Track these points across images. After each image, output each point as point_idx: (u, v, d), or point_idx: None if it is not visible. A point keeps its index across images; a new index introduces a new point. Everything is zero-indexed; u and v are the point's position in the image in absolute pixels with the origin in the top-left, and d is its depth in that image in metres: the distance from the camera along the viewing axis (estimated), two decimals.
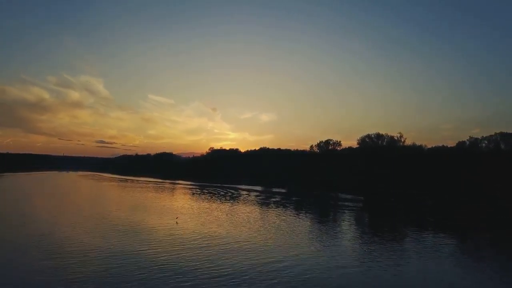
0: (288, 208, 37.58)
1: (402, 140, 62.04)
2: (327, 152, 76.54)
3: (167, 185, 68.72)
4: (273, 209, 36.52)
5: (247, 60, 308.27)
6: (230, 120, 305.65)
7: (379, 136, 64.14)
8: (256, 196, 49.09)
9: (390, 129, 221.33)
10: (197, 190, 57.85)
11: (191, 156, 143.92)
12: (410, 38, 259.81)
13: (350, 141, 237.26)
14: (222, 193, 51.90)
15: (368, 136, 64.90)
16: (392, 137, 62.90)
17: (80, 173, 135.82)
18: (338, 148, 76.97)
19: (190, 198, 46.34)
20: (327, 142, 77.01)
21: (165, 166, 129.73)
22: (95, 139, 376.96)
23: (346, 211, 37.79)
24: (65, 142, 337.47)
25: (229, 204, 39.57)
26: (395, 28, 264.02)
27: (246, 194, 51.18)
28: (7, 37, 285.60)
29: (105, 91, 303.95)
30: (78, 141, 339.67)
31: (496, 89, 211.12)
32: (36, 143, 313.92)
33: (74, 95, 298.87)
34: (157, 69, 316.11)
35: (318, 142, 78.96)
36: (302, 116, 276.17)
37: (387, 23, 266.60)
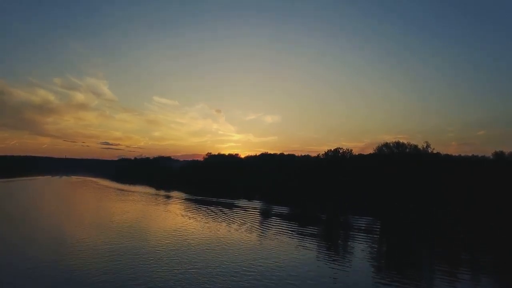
0: (293, 250, 24.89)
1: (430, 150, 50.23)
2: (338, 159, 65.23)
3: (160, 200, 57.59)
4: (273, 248, 24.11)
5: (251, 62, 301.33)
6: (234, 121, 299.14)
7: (399, 145, 52.92)
8: (255, 220, 37.35)
9: (395, 131, 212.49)
10: (188, 209, 46.56)
11: (195, 158, 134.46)
12: (414, 41, 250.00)
13: (354, 143, 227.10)
14: (214, 213, 40.44)
15: (386, 145, 53.64)
16: (415, 146, 51.57)
17: (75, 178, 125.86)
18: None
19: (174, 229, 33.67)
20: (336, 151, 65.73)
21: (162, 172, 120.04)
22: (100, 141, 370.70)
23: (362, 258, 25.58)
24: (70, 144, 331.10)
25: (222, 237, 27.05)
26: (398, 31, 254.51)
27: (243, 220, 39.22)
28: (14, 40, 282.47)
29: (110, 93, 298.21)
30: (83, 142, 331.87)
31: (502, 90, 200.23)
32: (41, 145, 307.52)
33: (80, 97, 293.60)
34: (162, 71, 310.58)
35: (326, 151, 67.65)
36: (307, 117, 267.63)
37: (391, 27, 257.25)
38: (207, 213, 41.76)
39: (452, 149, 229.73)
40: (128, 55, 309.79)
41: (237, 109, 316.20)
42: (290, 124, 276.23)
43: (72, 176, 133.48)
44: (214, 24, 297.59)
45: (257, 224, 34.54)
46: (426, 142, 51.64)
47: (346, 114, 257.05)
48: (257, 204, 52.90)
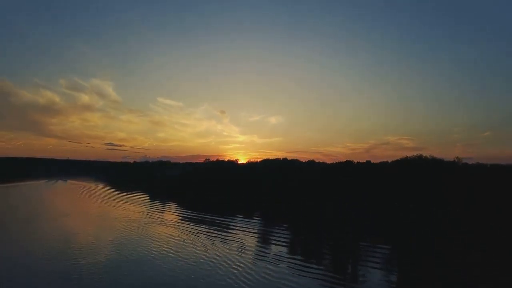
0: None
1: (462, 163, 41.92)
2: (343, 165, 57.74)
3: (147, 218, 49.86)
4: None
5: (256, 63, 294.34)
6: (238, 122, 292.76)
7: (421, 159, 44.15)
8: (250, 256, 29.36)
9: (399, 132, 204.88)
10: (174, 236, 38.72)
11: (199, 160, 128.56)
12: (419, 42, 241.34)
13: (359, 144, 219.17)
14: (203, 244, 32.49)
15: (406, 159, 45.11)
16: (441, 161, 43.03)
17: (70, 183, 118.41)
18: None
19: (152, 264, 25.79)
20: (347, 163, 57.39)
21: (161, 178, 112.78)
22: (104, 142, 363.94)
23: None
24: (75, 145, 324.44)
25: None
26: (402, 32, 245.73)
27: (234, 257, 31.22)
28: (20, 41, 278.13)
29: (115, 94, 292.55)
30: (88, 143, 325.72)
31: (508, 91, 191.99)
32: (47, 146, 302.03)
33: (85, 98, 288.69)
34: (166, 72, 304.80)
35: (336, 162, 59.63)
36: (311, 119, 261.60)
37: (394, 28, 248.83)
38: (195, 241, 33.74)
39: (457, 150, 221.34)
40: (133, 57, 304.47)
41: (241, 110, 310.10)
42: (294, 125, 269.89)
43: (69, 181, 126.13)
44: (218, 26, 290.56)
45: (253, 261, 26.45)
46: (457, 157, 43.86)
47: (350, 115, 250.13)
48: (255, 224, 44.75)
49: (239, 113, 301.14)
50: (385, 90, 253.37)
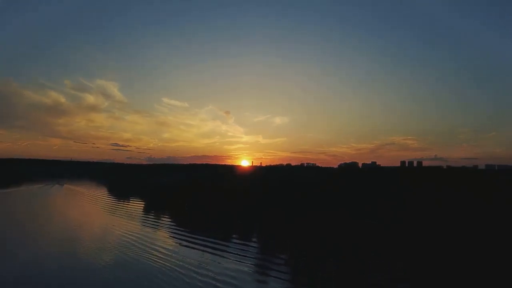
0: None
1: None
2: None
3: (139, 236, 43.94)
4: None
5: (260, 64, 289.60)
6: (243, 123, 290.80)
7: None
8: None
9: (404, 133, 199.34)
10: (165, 263, 32.66)
11: (204, 161, 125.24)
12: (423, 43, 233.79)
13: (364, 144, 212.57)
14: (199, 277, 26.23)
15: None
16: None
17: (67, 187, 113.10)
18: None
19: None
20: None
21: (160, 184, 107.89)
22: (110, 142, 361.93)
23: None
24: (80, 145, 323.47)
25: None
26: (407, 31, 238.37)
27: None
28: (24, 41, 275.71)
29: (120, 94, 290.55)
30: (93, 144, 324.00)
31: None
32: (52, 146, 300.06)
33: (90, 98, 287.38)
34: (172, 73, 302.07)
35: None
36: (316, 119, 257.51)
37: (400, 27, 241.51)
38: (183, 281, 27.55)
39: (463, 151, 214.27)
40: (138, 57, 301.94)
41: (246, 110, 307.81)
42: (299, 126, 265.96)
43: (66, 185, 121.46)
44: (222, 26, 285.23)
45: None
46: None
47: (355, 116, 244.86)
48: (252, 250, 38.24)
49: (244, 113, 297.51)
50: (389, 90, 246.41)
